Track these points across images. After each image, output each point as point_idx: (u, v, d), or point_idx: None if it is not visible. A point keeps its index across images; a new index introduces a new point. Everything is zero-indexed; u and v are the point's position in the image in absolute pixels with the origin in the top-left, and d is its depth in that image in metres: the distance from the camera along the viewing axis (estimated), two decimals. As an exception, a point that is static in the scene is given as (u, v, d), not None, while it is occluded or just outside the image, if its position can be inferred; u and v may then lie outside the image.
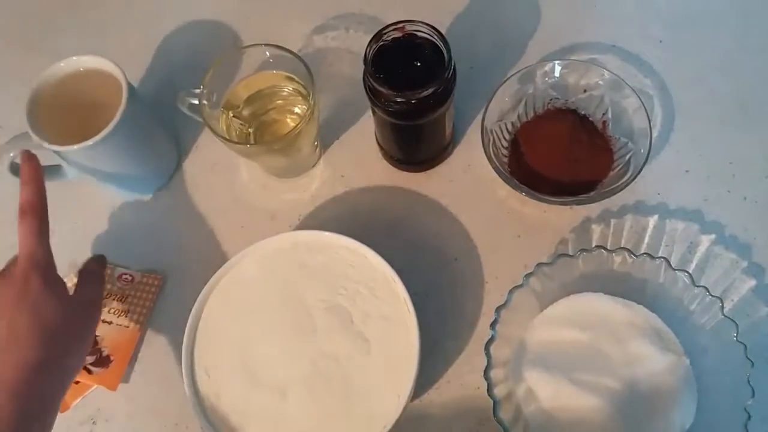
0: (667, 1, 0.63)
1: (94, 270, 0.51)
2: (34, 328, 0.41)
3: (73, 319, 0.44)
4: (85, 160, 0.52)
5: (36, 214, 0.45)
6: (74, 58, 0.52)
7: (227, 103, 0.54)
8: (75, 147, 0.49)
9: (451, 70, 0.47)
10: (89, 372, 0.53)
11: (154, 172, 0.58)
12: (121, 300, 0.55)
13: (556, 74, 0.55)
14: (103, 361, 0.53)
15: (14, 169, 0.51)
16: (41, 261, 0.44)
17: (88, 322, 0.46)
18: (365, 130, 0.59)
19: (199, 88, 0.50)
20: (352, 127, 0.60)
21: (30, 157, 0.46)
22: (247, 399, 0.46)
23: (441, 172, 0.58)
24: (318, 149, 0.59)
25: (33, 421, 0.40)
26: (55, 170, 0.55)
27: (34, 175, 0.46)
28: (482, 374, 0.45)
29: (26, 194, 0.45)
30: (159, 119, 0.58)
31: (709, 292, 0.46)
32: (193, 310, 0.48)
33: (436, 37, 0.47)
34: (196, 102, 0.51)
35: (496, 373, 0.46)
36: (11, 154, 0.51)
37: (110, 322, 0.55)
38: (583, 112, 0.56)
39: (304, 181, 0.59)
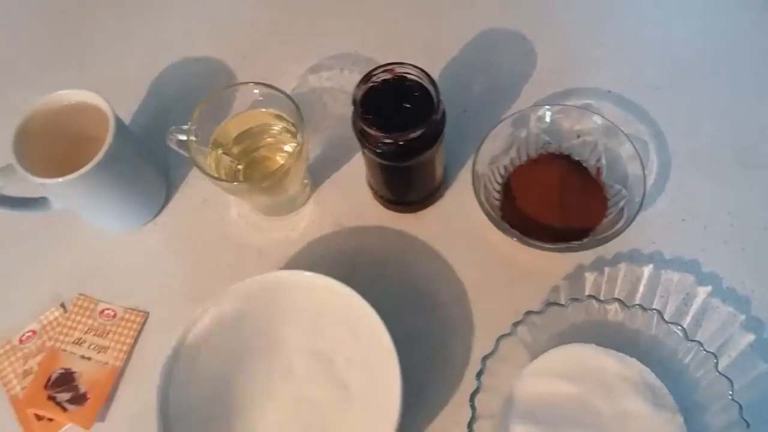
0: (664, 49, 0.63)
1: None
2: None
3: None
4: (70, 193, 0.51)
5: None
6: (63, 91, 0.52)
7: (217, 140, 0.53)
8: (60, 179, 0.48)
9: (441, 113, 0.47)
10: (64, 409, 0.51)
11: (141, 207, 0.58)
12: (101, 335, 0.54)
13: (549, 119, 0.55)
14: (79, 399, 0.52)
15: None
16: None
17: None
18: (356, 169, 0.59)
19: (187, 125, 0.50)
20: (344, 166, 0.60)
21: None
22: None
23: (432, 214, 0.57)
24: (308, 188, 0.58)
25: None
26: (40, 202, 0.54)
27: None
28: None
29: None
30: (149, 153, 0.58)
31: (702, 347, 0.44)
32: (170, 350, 0.47)
33: (425, 79, 0.47)
34: (185, 138, 0.51)
35: (481, 426, 0.44)
36: (-2, 185, 0.50)
37: (89, 358, 0.53)
38: (576, 158, 0.55)
39: (294, 220, 0.58)
